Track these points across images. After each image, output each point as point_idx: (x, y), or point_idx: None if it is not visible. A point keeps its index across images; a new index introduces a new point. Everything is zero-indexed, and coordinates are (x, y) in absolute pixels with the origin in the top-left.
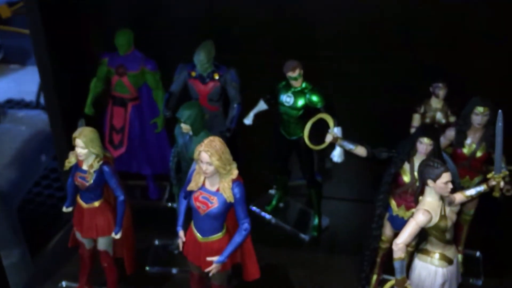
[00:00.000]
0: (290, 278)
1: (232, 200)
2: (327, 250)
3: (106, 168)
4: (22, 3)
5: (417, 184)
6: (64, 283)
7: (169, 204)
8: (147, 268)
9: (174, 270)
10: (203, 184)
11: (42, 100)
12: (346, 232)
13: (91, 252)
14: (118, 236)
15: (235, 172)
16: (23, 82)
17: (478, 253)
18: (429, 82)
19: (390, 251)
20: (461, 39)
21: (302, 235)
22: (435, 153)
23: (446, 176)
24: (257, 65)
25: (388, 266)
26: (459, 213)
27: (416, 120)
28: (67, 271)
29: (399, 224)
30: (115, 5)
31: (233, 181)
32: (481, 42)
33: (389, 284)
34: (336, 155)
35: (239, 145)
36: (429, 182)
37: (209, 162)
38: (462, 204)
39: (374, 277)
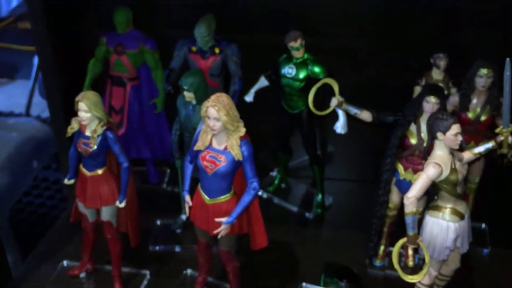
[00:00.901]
0: (297, 253)
1: (241, 158)
2: (331, 227)
3: (109, 134)
4: (10, 19)
5: (424, 145)
6: (65, 262)
7: (169, 189)
8: (149, 247)
9: (177, 248)
10: (210, 143)
11: (31, 112)
12: (350, 210)
13: (94, 225)
14: (122, 205)
15: (242, 130)
16: (13, 96)
17: (483, 225)
18: (430, 54)
19: (397, 220)
20: (462, 10)
21: (306, 214)
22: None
23: (455, 128)
24: (258, 42)
25: (395, 238)
26: (464, 182)
27: (417, 92)
28: (68, 251)
29: (406, 189)
30: None
31: (241, 138)
32: (483, 13)
33: (401, 241)
34: (340, 126)
35: None
36: (439, 135)
37: (217, 118)
38: (468, 172)
39: (381, 248)
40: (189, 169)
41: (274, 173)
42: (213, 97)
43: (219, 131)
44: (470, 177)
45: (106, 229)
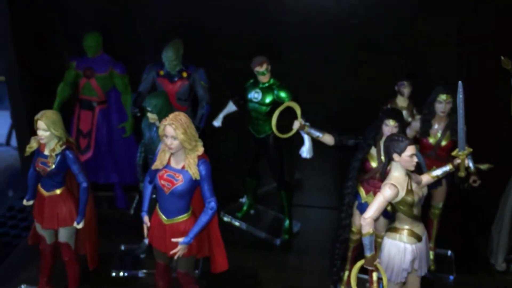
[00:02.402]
0: (261, 279)
1: (198, 177)
2: (298, 253)
3: (69, 153)
4: None
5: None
6: (23, 287)
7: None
8: (113, 272)
9: (140, 273)
10: (168, 163)
11: (12, 142)
12: (317, 236)
13: (52, 247)
14: (80, 226)
15: (201, 149)
16: None
17: (449, 252)
18: (395, 81)
19: (361, 244)
20: (426, 39)
21: (274, 240)
22: None
23: (411, 149)
24: (227, 68)
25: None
26: (428, 208)
27: None
28: (27, 275)
29: None
30: (83, 10)
31: (199, 158)
32: (446, 42)
33: (359, 264)
34: (305, 150)
35: (209, 149)
36: (395, 156)
37: (174, 136)
38: (430, 198)
39: (346, 273)
40: (148, 189)
41: (243, 200)
42: (171, 115)
43: (176, 150)
44: (434, 202)
45: (63, 251)
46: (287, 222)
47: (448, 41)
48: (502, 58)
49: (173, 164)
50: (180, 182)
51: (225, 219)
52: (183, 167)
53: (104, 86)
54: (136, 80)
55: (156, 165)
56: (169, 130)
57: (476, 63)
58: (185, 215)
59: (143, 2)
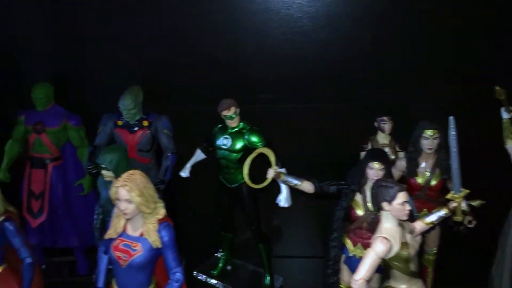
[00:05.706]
0: None
1: (159, 245)
2: None
3: (8, 225)
4: None
5: (373, 216)
6: None
7: None
8: None
9: None
10: (124, 230)
11: None
12: None
13: None
14: None
15: (161, 212)
16: None
17: None
18: (374, 117)
19: None
20: (403, 75)
21: None
22: (387, 178)
23: (402, 196)
24: (193, 113)
25: None
26: (421, 255)
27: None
28: None
29: (357, 267)
30: (33, 59)
31: (160, 222)
32: (424, 77)
33: None
34: (283, 199)
35: (178, 202)
36: (385, 205)
37: (129, 199)
38: (423, 243)
39: None
40: (103, 260)
41: (219, 254)
42: (124, 175)
43: (132, 215)
44: (427, 248)
45: None
46: (267, 278)
47: (430, 72)
48: (497, 88)
49: (129, 231)
50: (138, 252)
51: (199, 278)
52: (142, 235)
53: (57, 141)
54: (94, 133)
55: (110, 233)
56: (123, 193)
57: (460, 94)
58: None
59: (99, 48)
